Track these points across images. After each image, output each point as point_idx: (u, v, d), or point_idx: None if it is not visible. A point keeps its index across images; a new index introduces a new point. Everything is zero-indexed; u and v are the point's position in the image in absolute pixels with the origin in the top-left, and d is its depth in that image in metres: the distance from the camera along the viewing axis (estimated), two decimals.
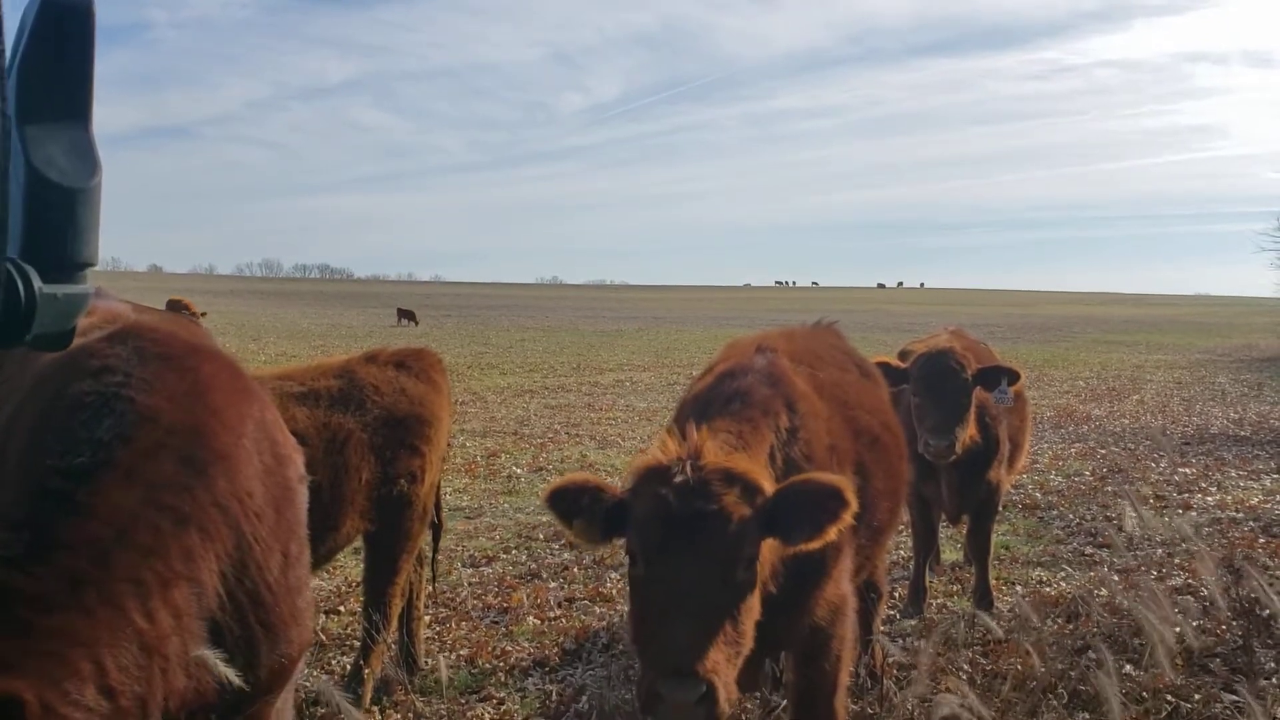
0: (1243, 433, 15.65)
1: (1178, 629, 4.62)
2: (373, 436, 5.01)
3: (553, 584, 7.40)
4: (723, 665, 2.84)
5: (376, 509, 5.08)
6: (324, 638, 6.22)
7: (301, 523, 2.83)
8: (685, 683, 2.75)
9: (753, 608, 3.05)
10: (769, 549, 3.15)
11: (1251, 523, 9.24)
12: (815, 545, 3.17)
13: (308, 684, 5.50)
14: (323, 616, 6.62)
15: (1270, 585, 6.68)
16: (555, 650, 6.05)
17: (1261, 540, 8.48)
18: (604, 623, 6.51)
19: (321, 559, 5.09)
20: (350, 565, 7.41)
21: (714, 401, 3.62)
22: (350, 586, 7.19)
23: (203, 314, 32.68)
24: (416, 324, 49.47)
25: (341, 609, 6.81)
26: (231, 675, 2.34)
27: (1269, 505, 10.06)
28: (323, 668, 5.81)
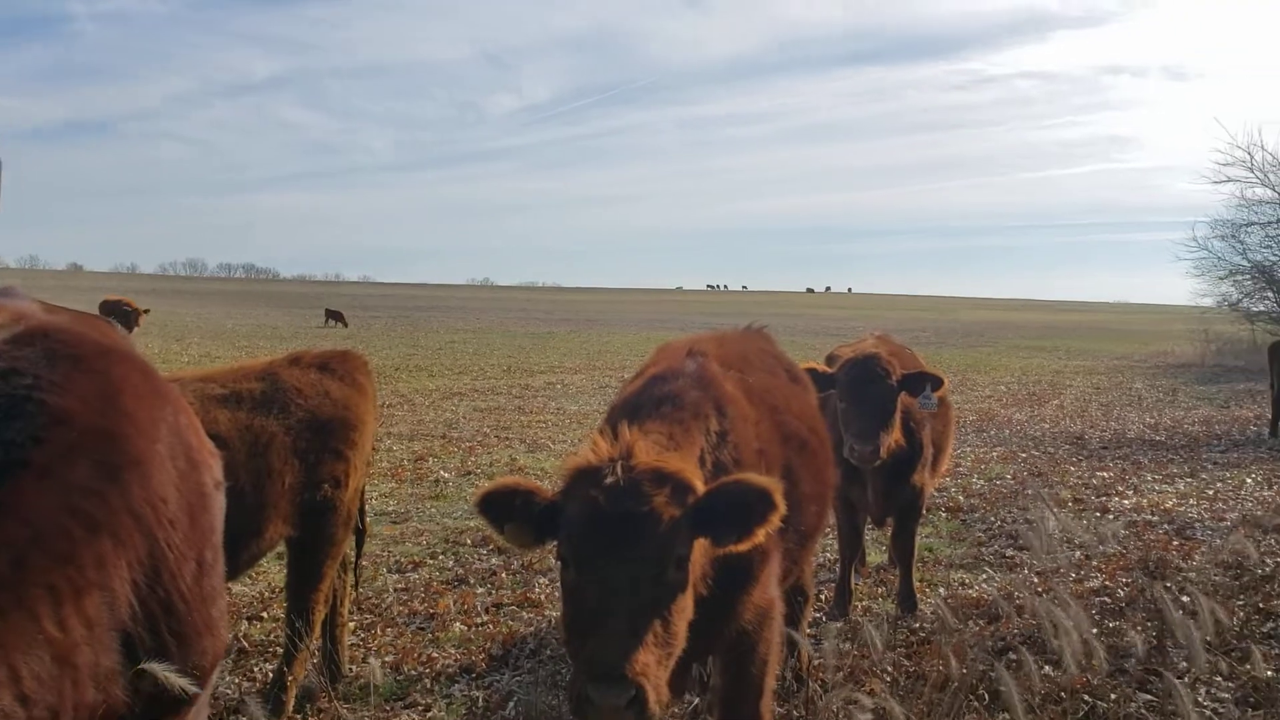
0: (1158, 437, 16.08)
1: (1094, 630, 4.73)
2: (296, 440, 4.93)
3: (480, 589, 7.34)
4: (653, 667, 2.83)
5: (300, 514, 5.00)
6: (246, 645, 6.11)
7: (217, 530, 2.77)
8: (615, 686, 2.74)
9: (685, 608, 3.05)
10: (700, 549, 3.15)
11: (1166, 525, 9.50)
12: (744, 547, 3.17)
13: (229, 692, 5.40)
14: (244, 623, 6.50)
15: (1183, 587, 6.91)
16: (482, 656, 6.01)
17: (1175, 543, 8.71)
18: (532, 628, 6.48)
19: (244, 565, 4.99)
20: (273, 571, 7.27)
21: (645, 404, 3.62)
22: (273, 592, 7.06)
23: (145, 310, 31.95)
24: (344, 325, 48.80)
25: (264, 615, 6.68)
26: (186, 684, 2.28)
27: (1183, 508, 10.36)
28: (245, 675, 5.70)
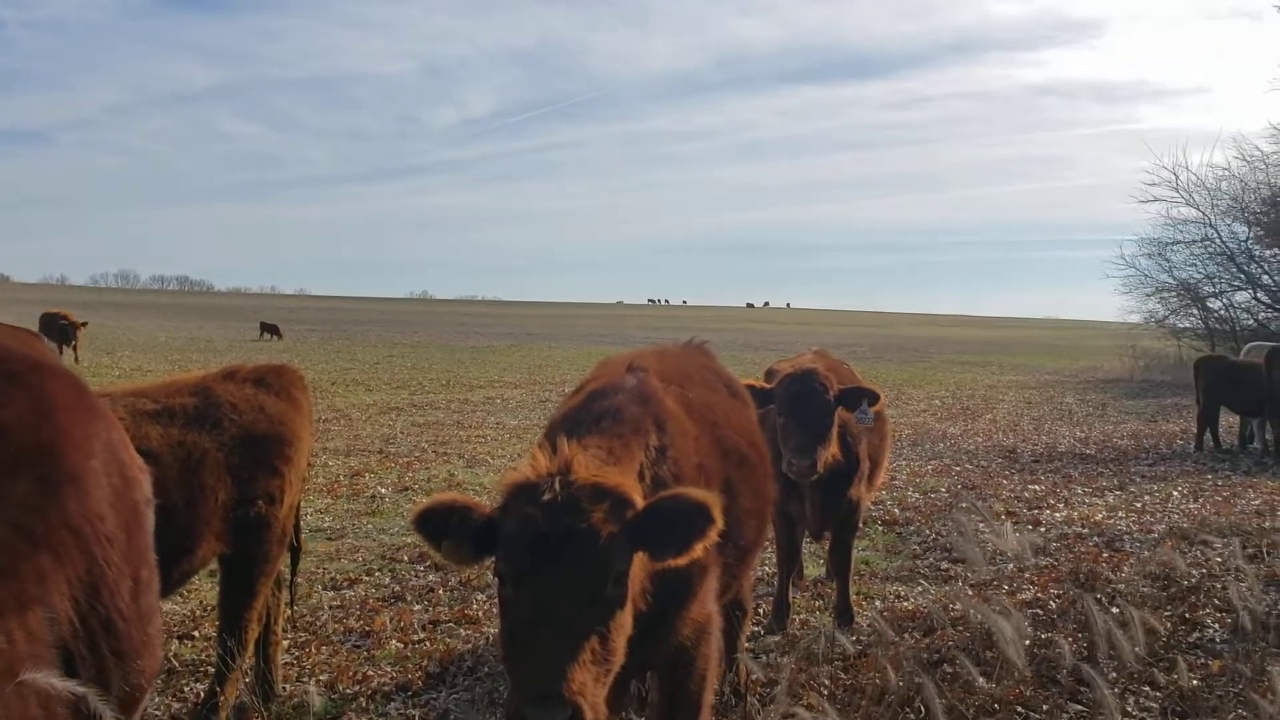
0: (1088, 451, 16.41)
1: (1027, 641, 4.81)
2: (230, 456, 4.86)
3: (417, 606, 7.27)
4: (590, 685, 2.82)
5: (233, 531, 4.92)
6: (176, 664, 5.99)
7: (150, 547, 2.73)
8: (552, 705, 2.72)
9: (623, 624, 3.04)
10: (638, 564, 3.14)
11: (1096, 538, 9.69)
12: (682, 561, 3.17)
13: (158, 714, 5.29)
14: (175, 642, 6.37)
15: (1113, 598, 7.06)
16: (419, 674, 5.94)
17: (1105, 555, 8.89)
18: (469, 645, 6.43)
19: (176, 583, 4.90)
20: (205, 588, 7.15)
21: (584, 419, 3.61)
22: (205, 610, 6.93)
23: (84, 324, 31.24)
24: (280, 338, 48.16)
25: (195, 634, 6.56)
26: (109, 713, 2.23)
27: (1112, 521, 10.58)
28: (175, 696, 5.59)
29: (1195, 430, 16.98)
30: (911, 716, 5.07)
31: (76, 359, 28.48)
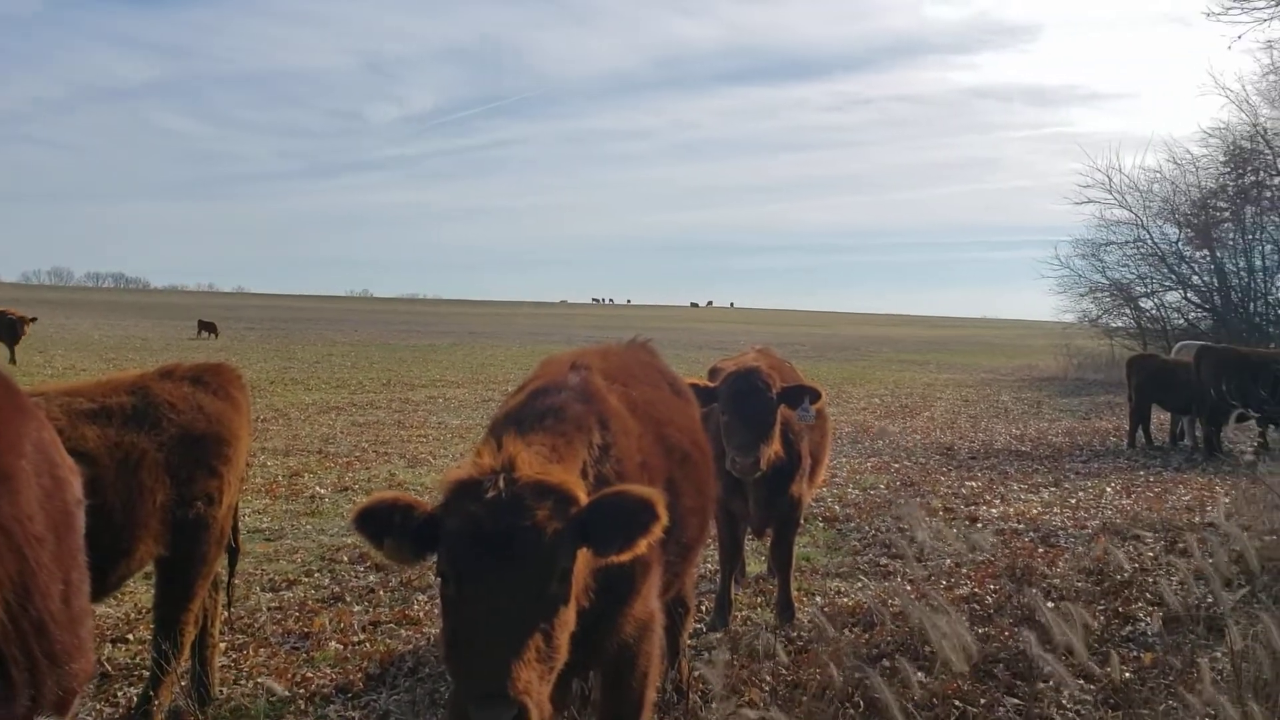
0: (1024, 448, 16.70)
1: (963, 636, 4.89)
2: (168, 456, 4.78)
3: (357, 607, 7.20)
4: (535, 684, 2.82)
5: (171, 532, 4.83)
6: (109, 668, 5.86)
7: (82, 549, 2.68)
8: (497, 704, 2.72)
9: (567, 621, 3.04)
10: (582, 561, 3.14)
11: (1032, 533, 9.87)
12: (626, 557, 3.18)
13: (90, 719, 5.18)
14: (108, 646, 6.25)
15: (1048, 593, 7.20)
16: (359, 675, 5.89)
17: (1041, 550, 9.05)
18: (410, 646, 6.38)
19: (112, 586, 4.80)
20: (140, 590, 7.01)
21: (527, 418, 3.60)
22: (140, 613, 6.81)
23: (32, 319, 30.45)
24: (216, 337, 47.38)
25: (130, 637, 6.43)
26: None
27: (1047, 516, 10.78)
28: (108, 701, 5.47)
29: (1128, 428, 17.34)
30: (851, 712, 5.12)
31: (13, 358, 27.72)
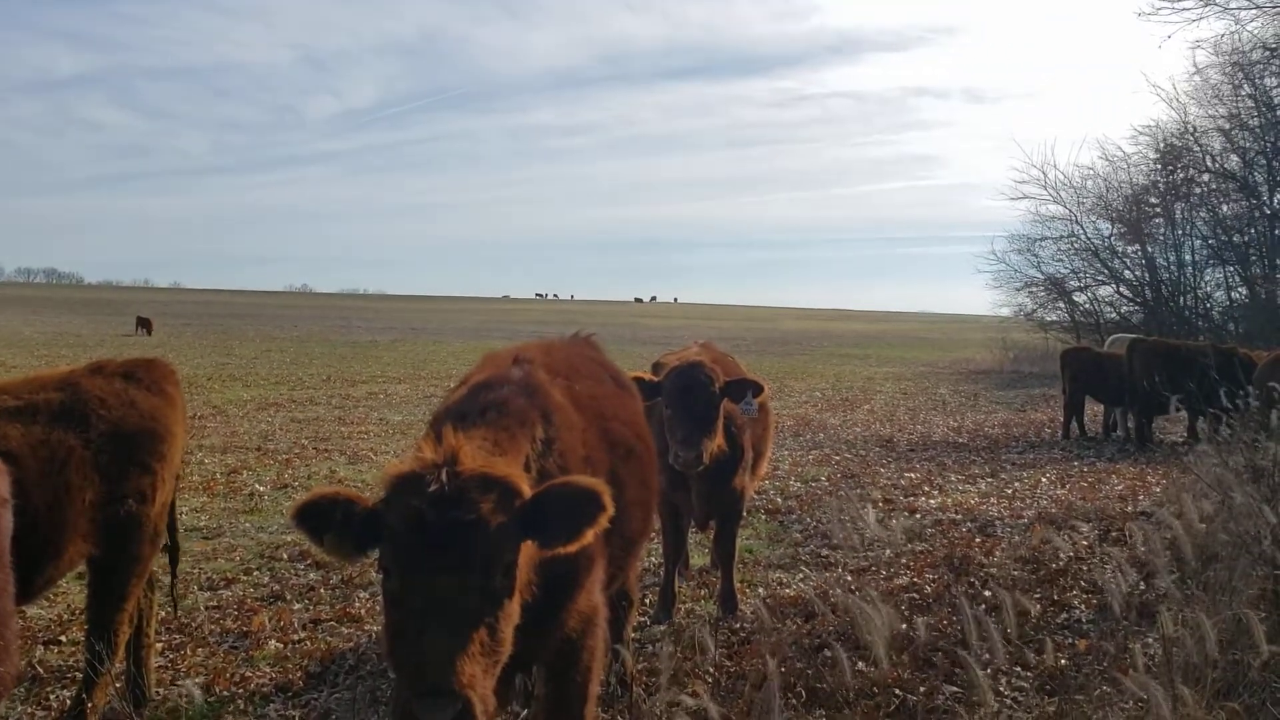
0: (961, 440, 16.95)
1: (904, 625, 4.95)
2: (98, 454, 4.66)
3: (297, 605, 7.11)
4: (479, 678, 2.79)
5: (103, 532, 4.72)
6: (41, 671, 5.74)
7: (6, 551, 2.61)
8: (441, 699, 2.69)
9: (511, 614, 3.01)
10: (526, 553, 3.12)
11: (969, 523, 10.02)
12: (572, 549, 3.17)
13: None
14: (40, 648, 6.10)
15: (985, 582, 7.31)
16: (299, 674, 5.82)
17: (978, 540, 9.20)
18: (351, 644, 6.31)
19: (42, 587, 4.67)
20: (73, 591, 6.87)
21: (469, 412, 3.57)
22: (72, 614, 6.66)
23: None
24: (150, 334, 46.48)
25: (62, 639, 6.28)
26: None
27: (984, 507, 10.96)
28: (40, 704, 5.35)
29: (1062, 419, 17.67)
30: (793, 701, 5.16)
31: None
